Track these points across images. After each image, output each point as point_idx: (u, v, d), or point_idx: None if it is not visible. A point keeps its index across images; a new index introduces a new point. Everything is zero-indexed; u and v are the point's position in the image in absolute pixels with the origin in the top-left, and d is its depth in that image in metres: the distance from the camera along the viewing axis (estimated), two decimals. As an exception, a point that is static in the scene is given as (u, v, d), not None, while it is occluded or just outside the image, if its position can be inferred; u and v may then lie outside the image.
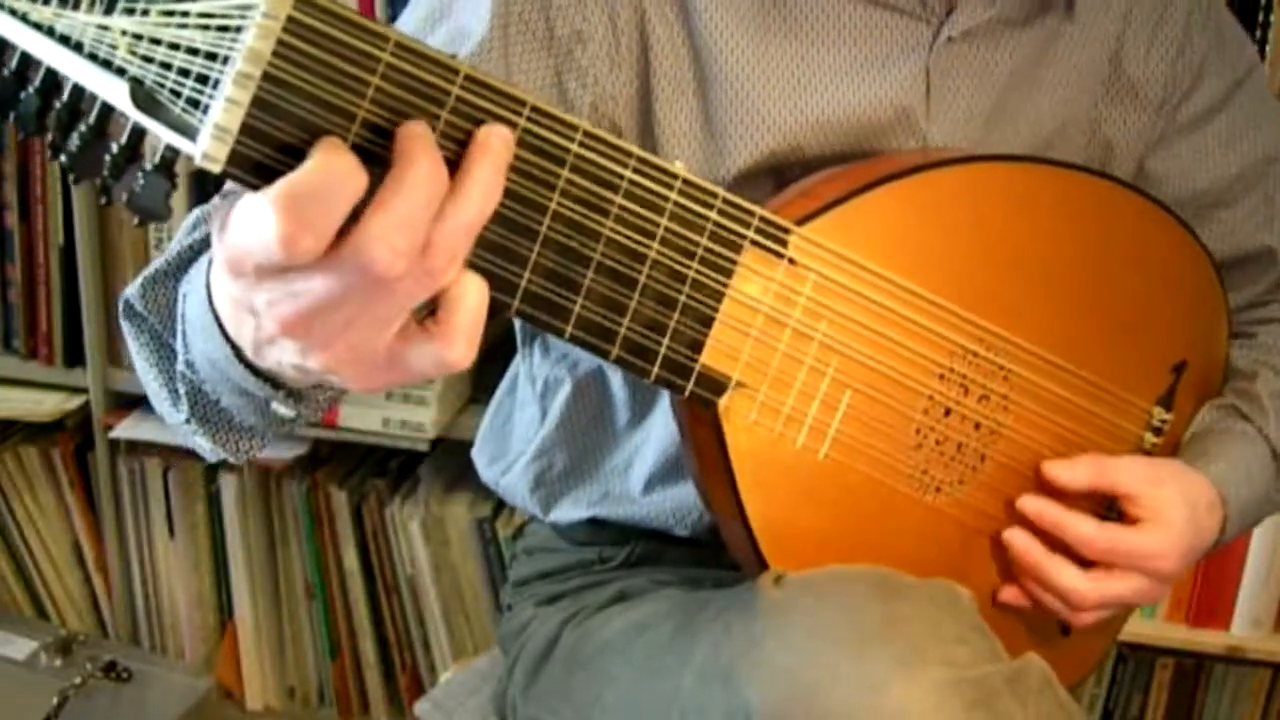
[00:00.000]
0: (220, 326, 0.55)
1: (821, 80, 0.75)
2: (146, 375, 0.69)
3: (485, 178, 0.48)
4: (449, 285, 0.48)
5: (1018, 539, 0.76)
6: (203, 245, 0.66)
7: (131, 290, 0.68)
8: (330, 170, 0.45)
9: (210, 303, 0.55)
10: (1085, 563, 0.76)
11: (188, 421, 0.66)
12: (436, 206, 0.47)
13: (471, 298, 0.49)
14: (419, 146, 0.47)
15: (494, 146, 0.49)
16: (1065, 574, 0.75)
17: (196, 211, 0.70)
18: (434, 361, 0.49)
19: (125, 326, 0.69)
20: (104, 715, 1.52)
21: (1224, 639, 1.42)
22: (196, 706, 1.56)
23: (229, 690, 1.66)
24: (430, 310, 0.49)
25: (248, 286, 0.47)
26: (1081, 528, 0.75)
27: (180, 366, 0.64)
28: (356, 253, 0.45)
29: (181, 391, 0.65)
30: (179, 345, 0.63)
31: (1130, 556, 0.75)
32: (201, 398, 0.64)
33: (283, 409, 0.60)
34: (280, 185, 0.44)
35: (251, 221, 0.45)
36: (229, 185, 0.49)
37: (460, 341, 0.49)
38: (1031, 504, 0.76)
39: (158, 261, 0.68)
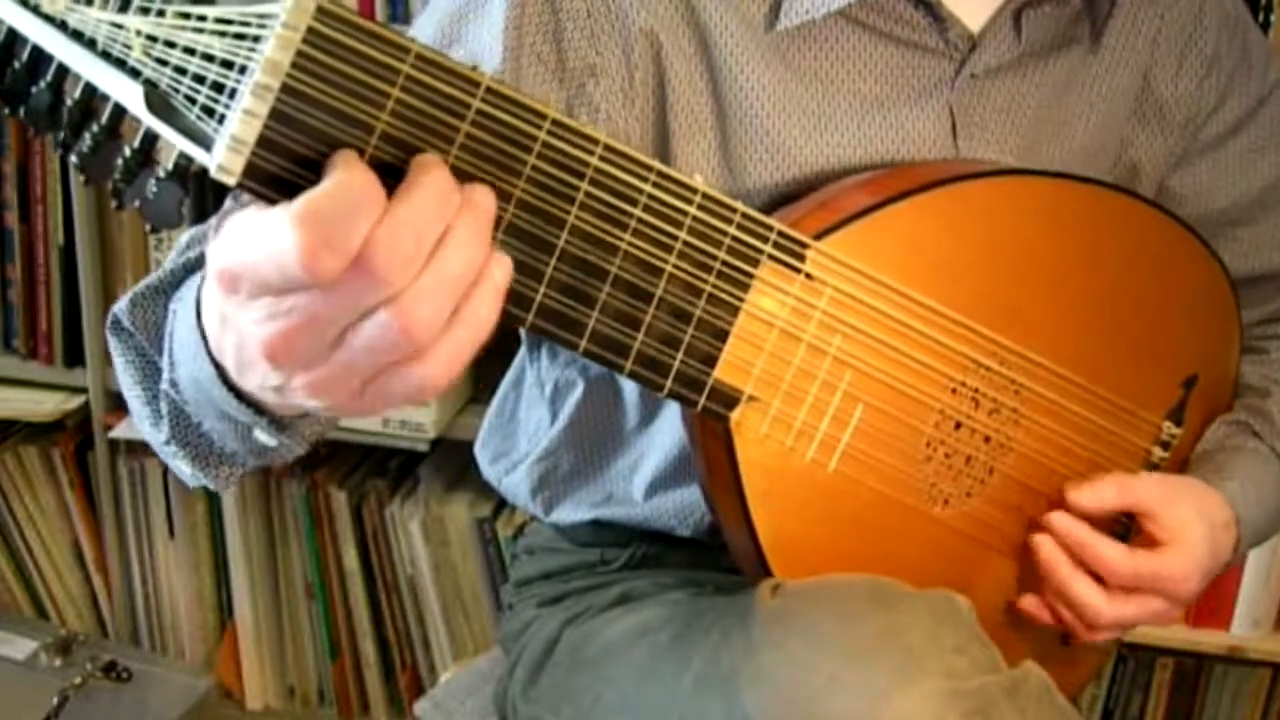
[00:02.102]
0: (206, 346, 0.54)
1: (842, 118, 0.74)
2: (130, 392, 0.67)
3: (471, 228, 0.47)
4: None
5: (1044, 547, 0.75)
6: (196, 264, 0.65)
7: (120, 306, 0.67)
8: (353, 187, 0.44)
9: (199, 320, 0.54)
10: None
11: (168, 443, 0.65)
12: (445, 222, 0.46)
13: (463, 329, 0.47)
14: (436, 164, 0.46)
15: (478, 204, 0.47)
16: (1086, 591, 0.74)
17: (191, 231, 0.69)
18: (416, 383, 0.47)
19: (111, 341, 0.68)
20: (104, 715, 1.51)
21: (1224, 639, 1.42)
22: (196, 706, 1.55)
23: (229, 690, 1.66)
24: None
25: (238, 304, 0.46)
26: (1108, 552, 0.74)
27: (164, 385, 0.62)
28: (362, 256, 0.43)
29: (164, 411, 0.63)
30: (164, 363, 0.62)
31: (1154, 580, 0.75)
32: (183, 419, 0.63)
33: (264, 437, 0.59)
34: (303, 202, 0.43)
35: (265, 237, 0.44)
36: (228, 204, 0.48)
37: (440, 365, 0.47)
38: (1061, 523, 0.75)
39: (150, 278, 0.67)
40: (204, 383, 0.57)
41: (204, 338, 0.55)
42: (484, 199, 0.48)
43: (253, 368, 0.49)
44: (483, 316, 0.47)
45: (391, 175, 0.47)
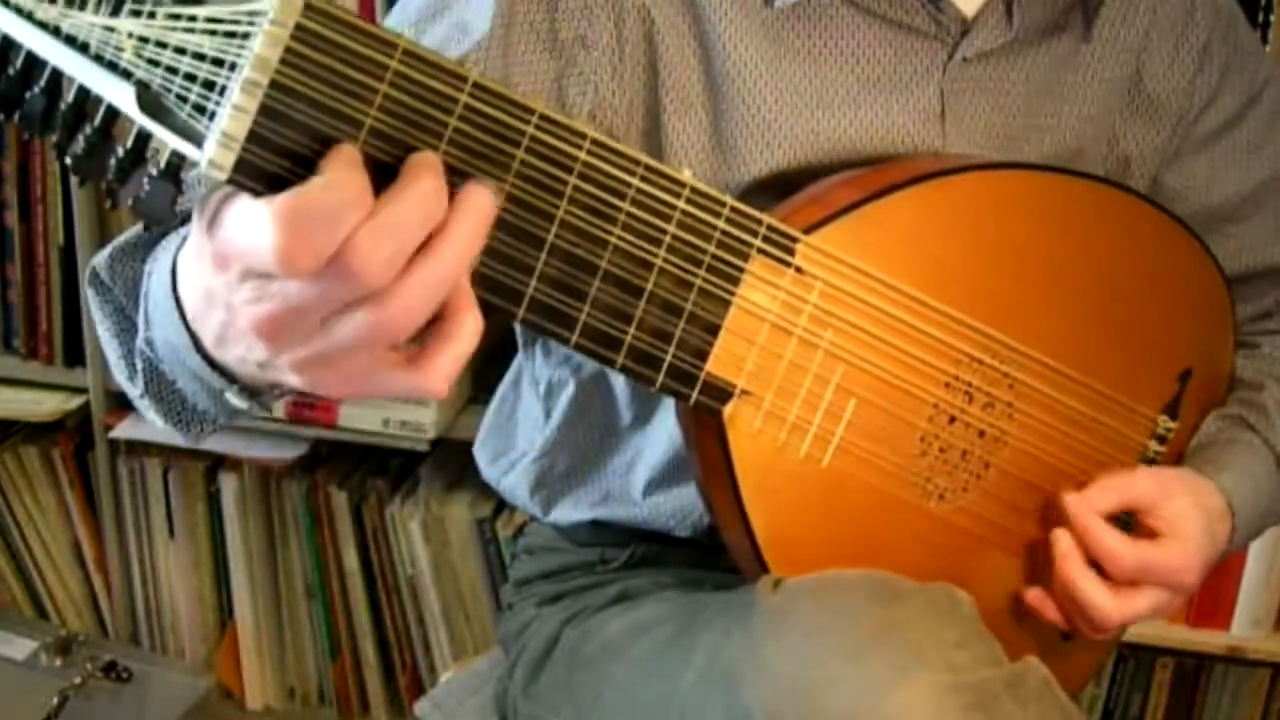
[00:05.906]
0: (181, 314, 0.56)
1: (834, 99, 0.74)
2: (108, 345, 0.69)
3: (466, 232, 0.48)
4: (449, 315, 0.49)
5: (1062, 541, 0.74)
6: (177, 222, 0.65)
7: (100, 259, 0.68)
8: (340, 188, 0.45)
9: (174, 289, 0.56)
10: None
11: (142, 396, 0.66)
12: (430, 227, 0.47)
13: (464, 343, 0.49)
14: (427, 168, 0.47)
15: (477, 207, 0.49)
16: (1094, 591, 0.74)
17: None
18: (408, 389, 0.49)
19: (90, 294, 0.69)
20: (104, 715, 1.52)
21: (1224, 639, 1.42)
22: (196, 706, 1.56)
23: (229, 690, 1.67)
24: (418, 338, 0.49)
25: (227, 282, 0.48)
26: (1111, 541, 0.74)
27: (139, 343, 0.64)
28: (341, 255, 0.45)
29: (139, 367, 0.65)
30: (140, 321, 0.63)
31: (1157, 573, 0.75)
32: (158, 376, 0.64)
33: (236, 400, 0.60)
34: (286, 199, 0.44)
35: (249, 227, 0.45)
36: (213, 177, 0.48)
37: (439, 378, 0.49)
38: (1074, 503, 0.74)
39: (128, 234, 0.68)
40: (180, 349, 0.58)
41: (178, 305, 0.56)
42: (483, 202, 0.49)
43: (237, 343, 0.50)
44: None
45: (382, 171, 0.47)
